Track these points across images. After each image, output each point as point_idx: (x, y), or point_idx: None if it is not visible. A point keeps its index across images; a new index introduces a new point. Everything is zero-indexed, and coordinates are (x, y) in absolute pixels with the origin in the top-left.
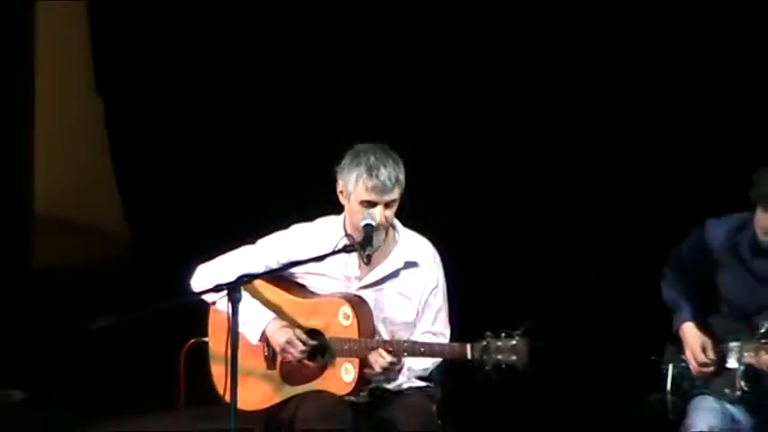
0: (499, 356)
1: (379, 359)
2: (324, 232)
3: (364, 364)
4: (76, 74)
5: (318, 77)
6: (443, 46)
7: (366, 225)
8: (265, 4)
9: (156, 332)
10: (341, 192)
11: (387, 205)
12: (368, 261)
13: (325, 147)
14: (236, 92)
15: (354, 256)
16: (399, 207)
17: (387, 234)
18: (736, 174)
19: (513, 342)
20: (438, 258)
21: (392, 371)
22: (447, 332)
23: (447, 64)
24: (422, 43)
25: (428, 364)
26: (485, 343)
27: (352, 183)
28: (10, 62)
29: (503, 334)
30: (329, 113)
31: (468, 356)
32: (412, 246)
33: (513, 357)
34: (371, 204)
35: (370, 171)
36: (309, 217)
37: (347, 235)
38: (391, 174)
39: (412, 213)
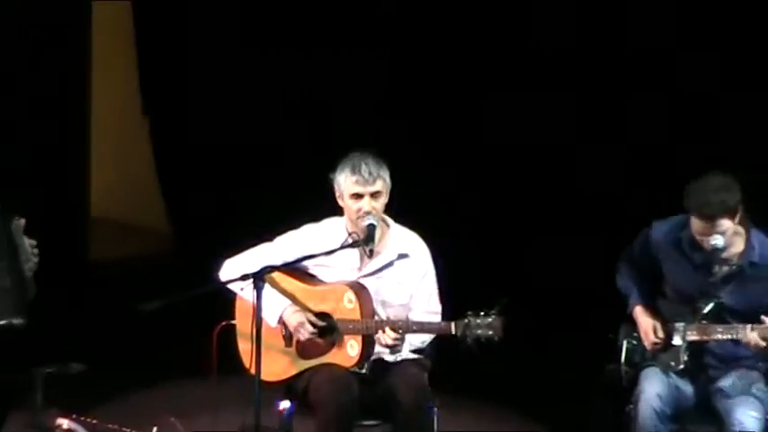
0: (478, 332)
1: (386, 337)
2: (329, 231)
3: (367, 341)
4: (127, 93)
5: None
6: (434, 50)
7: (369, 225)
8: (293, 25)
9: (193, 315)
10: (339, 196)
11: (373, 196)
12: (370, 254)
13: (329, 157)
14: (260, 115)
15: (356, 250)
16: (389, 205)
17: (382, 231)
18: (680, 184)
19: (490, 320)
20: (427, 250)
21: (397, 346)
22: (439, 310)
23: (433, 65)
24: (414, 48)
25: (425, 338)
26: (466, 321)
27: (342, 182)
28: (67, 80)
29: (481, 313)
30: (337, 126)
31: (453, 332)
32: (403, 240)
33: (490, 332)
34: (359, 196)
35: (354, 168)
36: (317, 218)
37: (352, 233)
38: (372, 169)
39: (406, 212)
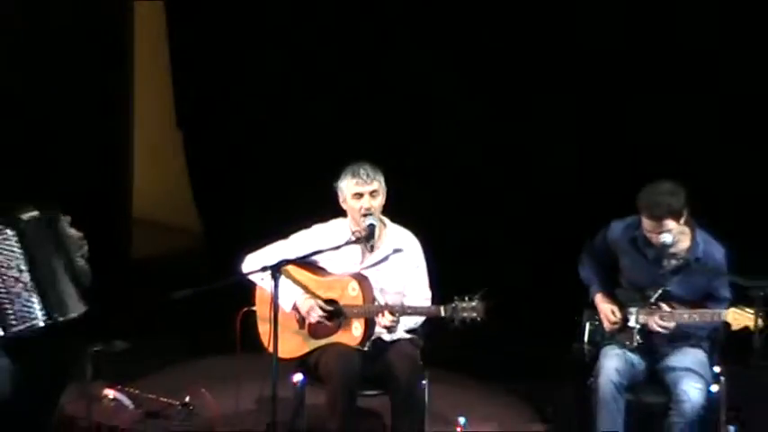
0: (463, 314)
1: (384, 319)
2: (336, 230)
3: (368, 323)
4: (165, 104)
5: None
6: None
7: (370, 224)
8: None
9: (219, 302)
10: (343, 201)
11: (372, 195)
12: (371, 249)
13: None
14: (279, 132)
15: (358, 245)
16: (385, 207)
17: (380, 229)
18: (637, 187)
19: (473, 304)
20: (418, 244)
21: (393, 327)
22: (429, 296)
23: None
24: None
25: (418, 320)
26: (453, 305)
27: (344, 186)
28: (113, 99)
29: (466, 298)
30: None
31: (441, 315)
32: (398, 236)
33: (474, 315)
34: (360, 195)
35: (353, 173)
36: (325, 219)
37: (355, 231)
38: (369, 172)
39: (401, 212)
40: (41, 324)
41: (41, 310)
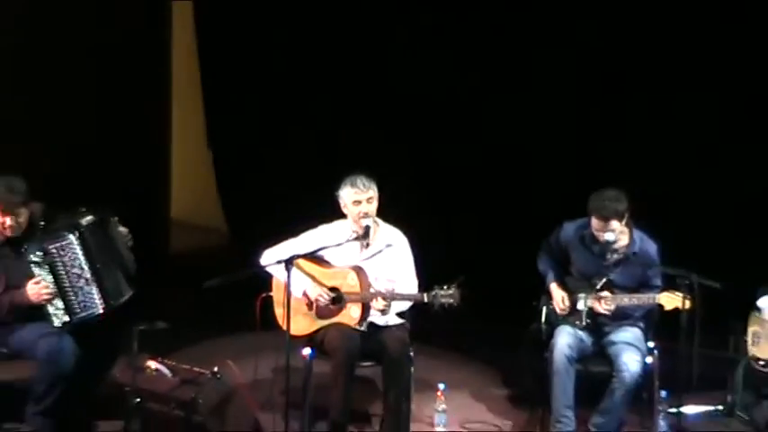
0: (442, 300)
1: (378, 303)
2: (338, 229)
3: (365, 307)
4: (197, 130)
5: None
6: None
7: (366, 225)
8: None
9: (242, 289)
10: (344, 206)
11: (368, 201)
12: (366, 246)
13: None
14: (297, 145)
15: (357, 242)
16: (379, 208)
17: (374, 228)
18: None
19: (451, 291)
20: (406, 241)
21: (386, 310)
22: (416, 284)
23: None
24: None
25: (406, 305)
26: (434, 292)
27: (345, 195)
28: (156, 123)
29: (444, 286)
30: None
31: (425, 300)
32: (389, 234)
33: (451, 300)
34: (358, 202)
35: (352, 183)
36: (329, 220)
37: (354, 231)
38: (365, 182)
39: (392, 213)
40: (100, 311)
41: (100, 298)
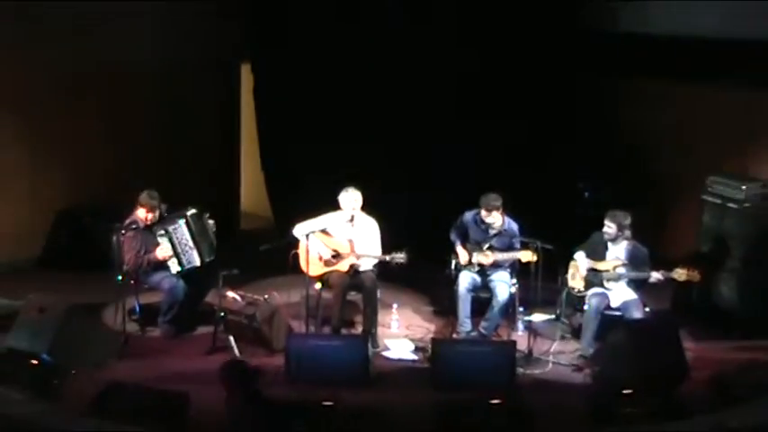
0: (397, 260)
1: (358, 260)
2: (339, 216)
3: (353, 261)
4: (256, 158)
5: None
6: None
7: (352, 215)
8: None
9: (282, 249)
10: (342, 204)
11: (354, 201)
12: (353, 225)
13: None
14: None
15: (349, 223)
16: (362, 207)
17: (357, 216)
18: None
19: (402, 254)
20: (375, 223)
21: (362, 264)
22: (380, 249)
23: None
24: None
25: (374, 261)
26: (391, 255)
27: (342, 199)
28: (231, 146)
29: (398, 251)
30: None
31: (386, 259)
32: (365, 219)
33: (401, 260)
34: (349, 203)
35: (347, 192)
36: (335, 209)
37: (347, 218)
38: (354, 193)
39: (367, 205)
40: (198, 264)
41: (198, 257)
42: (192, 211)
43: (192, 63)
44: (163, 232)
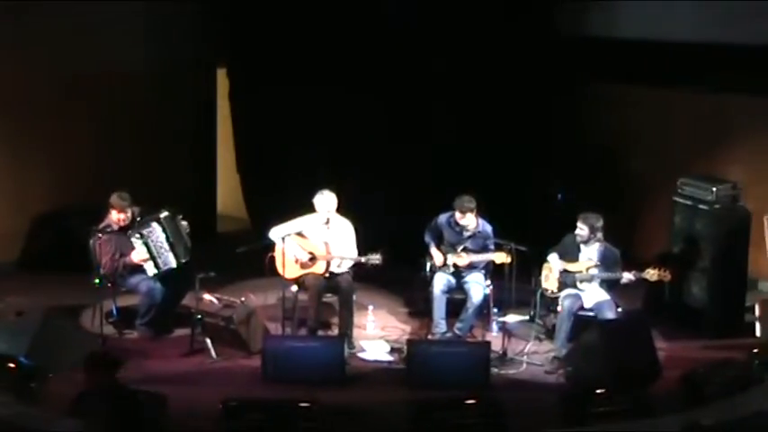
0: (372, 261)
1: (334, 262)
2: (315, 218)
3: (329, 264)
4: (232, 161)
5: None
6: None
7: (327, 218)
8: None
9: (258, 252)
10: (317, 207)
11: (330, 204)
12: (329, 228)
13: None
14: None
15: (325, 225)
16: (337, 209)
17: (333, 218)
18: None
19: (377, 255)
20: (350, 224)
21: (338, 266)
22: (356, 251)
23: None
24: None
25: (350, 263)
26: (367, 256)
27: (317, 202)
28: (206, 150)
29: (373, 252)
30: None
31: (362, 261)
32: (340, 221)
33: (376, 262)
34: (324, 205)
35: (322, 200)
36: (311, 212)
37: (323, 221)
38: (329, 196)
39: (343, 208)
40: (174, 266)
41: (173, 259)
42: (164, 214)
43: (169, 66)
44: (138, 236)
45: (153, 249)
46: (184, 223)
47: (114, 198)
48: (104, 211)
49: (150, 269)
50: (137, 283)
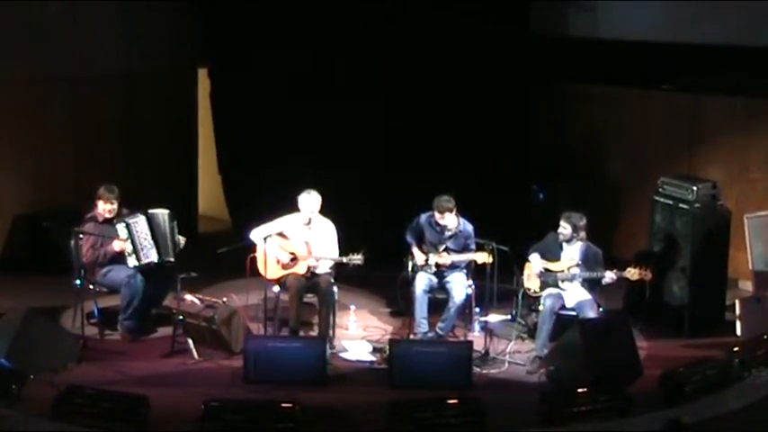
0: (354, 261)
1: (315, 262)
2: (297, 218)
3: (310, 264)
4: (213, 162)
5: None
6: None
7: (310, 218)
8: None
9: (240, 252)
10: (300, 206)
11: (313, 204)
12: (311, 228)
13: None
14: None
15: (306, 225)
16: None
17: (315, 218)
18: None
19: (359, 255)
20: (332, 224)
21: (319, 267)
22: (337, 251)
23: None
24: None
25: (331, 263)
26: (348, 257)
27: (301, 201)
28: (190, 155)
29: (355, 253)
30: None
31: (343, 261)
32: (322, 221)
33: (358, 262)
34: (307, 205)
35: (305, 199)
36: (292, 211)
37: (305, 220)
38: (314, 196)
39: (326, 207)
40: (155, 261)
41: (155, 254)
42: (151, 211)
43: (150, 67)
44: (123, 224)
45: (136, 239)
46: (181, 238)
47: (102, 189)
48: (84, 213)
49: (131, 261)
50: (116, 274)
